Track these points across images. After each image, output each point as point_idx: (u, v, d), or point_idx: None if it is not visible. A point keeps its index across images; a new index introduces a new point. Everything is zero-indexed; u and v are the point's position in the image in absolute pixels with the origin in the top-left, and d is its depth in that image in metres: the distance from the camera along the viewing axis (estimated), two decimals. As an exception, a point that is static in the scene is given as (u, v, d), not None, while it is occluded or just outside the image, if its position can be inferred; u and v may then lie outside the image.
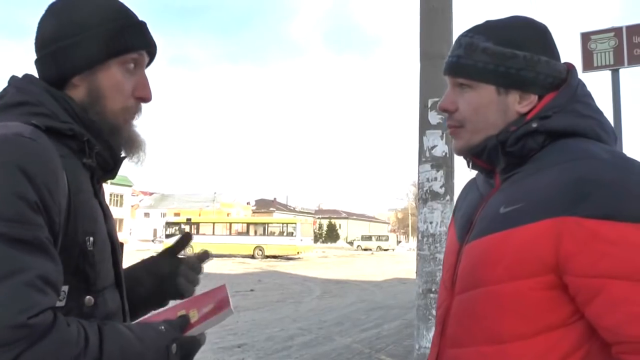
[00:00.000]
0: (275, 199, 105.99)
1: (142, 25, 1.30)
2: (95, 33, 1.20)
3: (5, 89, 1.20)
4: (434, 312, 4.59)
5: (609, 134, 1.27)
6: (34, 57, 1.25)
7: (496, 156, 1.28)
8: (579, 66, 6.52)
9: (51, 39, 1.22)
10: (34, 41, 1.25)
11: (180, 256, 1.50)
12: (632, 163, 1.13)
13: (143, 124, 1.33)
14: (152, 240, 66.45)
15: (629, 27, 6.37)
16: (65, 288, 1.04)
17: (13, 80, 1.22)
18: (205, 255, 1.53)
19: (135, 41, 1.26)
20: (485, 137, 1.29)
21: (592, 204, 1.06)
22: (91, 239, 1.11)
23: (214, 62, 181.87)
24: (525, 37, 1.28)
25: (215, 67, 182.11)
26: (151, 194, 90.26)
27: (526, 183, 1.20)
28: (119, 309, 1.23)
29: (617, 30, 6.41)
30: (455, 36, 4.99)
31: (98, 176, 1.24)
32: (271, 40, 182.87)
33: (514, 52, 1.25)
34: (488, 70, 1.26)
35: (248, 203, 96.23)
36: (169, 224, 43.15)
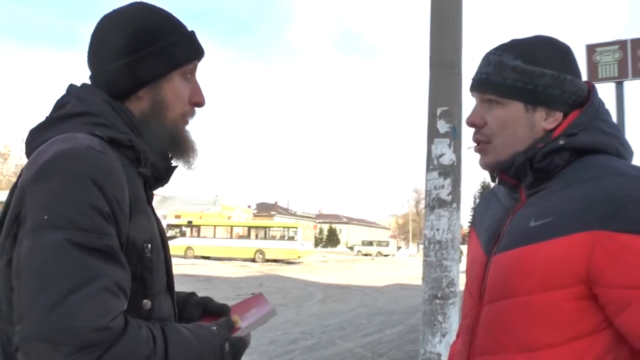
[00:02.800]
0: (276, 202, 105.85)
1: (194, 35, 1.36)
2: (156, 49, 1.25)
3: (65, 97, 1.25)
4: (440, 317, 4.66)
5: (628, 150, 1.34)
6: (87, 69, 1.30)
7: (524, 172, 1.32)
8: (583, 78, 6.59)
9: (110, 56, 1.25)
10: (89, 52, 1.29)
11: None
12: None
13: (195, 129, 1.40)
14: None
15: (633, 41, 6.43)
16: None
17: (72, 89, 1.27)
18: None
19: (191, 52, 1.32)
20: (513, 153, 1.34)
21: (623, 219, 1.12)
22: (149, 245, 1.17)
23: (216, 65, 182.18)
24: (551, 56, 1.33)
25: (217, 69, 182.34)
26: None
27: (555, 198, 1.25)
28: (171, 313, 1.29)
29: (621, 43, 6.48)
30: (465, 46, 5.09)
31: (150, 184, 1.29)
32: (274, 44, 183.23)
33: (543, 71, 1.31)
34: (517, 87, 1.32)
35: (249, 206, 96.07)
36: (170, 226, 43.05)
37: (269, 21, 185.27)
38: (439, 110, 4.89)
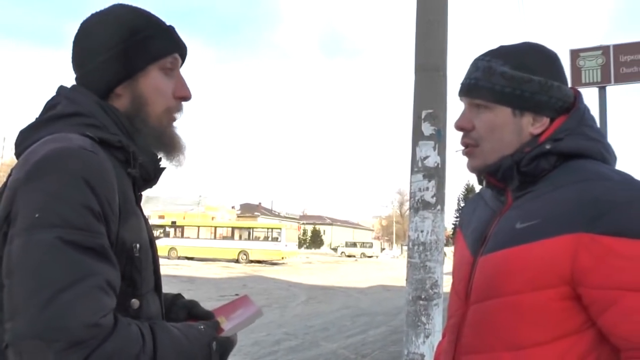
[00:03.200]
0: (260, 203, 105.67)
1: (172, 30, 1.36)
2: (131, 43, 1.26)
3: (55, 99, 1.26)
4: (423, 319, 4.69)
5: (612, 156, 1.37)
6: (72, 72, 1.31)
7: (510, 175, 1.35)
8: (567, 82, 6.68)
9: (88, 56, 1.27)
10: (72, 57, 1.31)
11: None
12: (639, 184, 1.23)
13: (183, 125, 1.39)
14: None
15: (616, 46, 6.52)
16: None
17: (63, 90, 1.28)
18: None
19: (169, 45, 1.32)
20: (501, 156, 1.37)
21: (607, 222, 1.16)
22: (138, 245, 1.18)
23: (199, 65, 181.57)
24: (539, 63, 1.36)
25: (200, 69, 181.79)
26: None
27: (541, 201, 1.28)
28: (159, 312, 1.30)
29: (604, 49, 6.56)
30: (450, 49, 5.13)
31: (139, 185, 1.30)
32: (259, 45, 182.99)
33: (530, 77, 1.33)
34: (505, 93, 1.34)
35: (233, 207, 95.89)
36: (153, 227, 42.73)
37: (254, 22, 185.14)
38: (423, 113, 4.93)
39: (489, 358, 1.29)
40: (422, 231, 4.91)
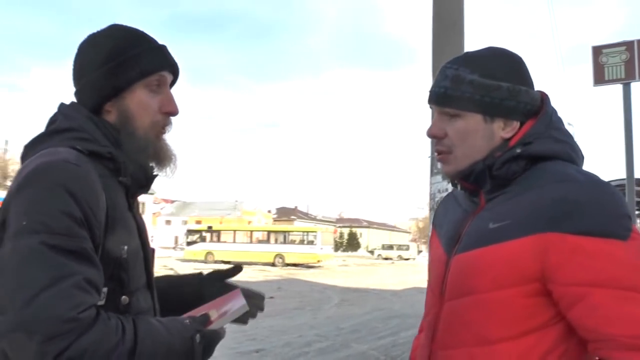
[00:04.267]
0: (296, 207, 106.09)
1: (161, 49, 1.46)
2: (117, 63, 1.38)
3: (55, 115, 1.40)
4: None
5: (579, 156, 1.42)
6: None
7: (483, 179, 1.40)
8: (590, 79, 6.60)
9: (81, 74, 1.41)
10: (71, 73, 1.44)
11: (227, 282, 1.71)
12: (604, 184, 1.28)
13: (174, 136, 1.50)
14: (174, 248, 66.89)
15: (640, 41, 6.43)
16: (104, 290, 1.22)
17: (62, 107, 1.41)
18: (235, 271, 1.74)
19: (154, 64, 1.42)
20: (473, 162, 1.41)
21: (574, 222, 1.21)
22: (125, 247, 1.30)
23: (231, 72, 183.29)
24: (506, 69, 1.40)
25: (233, 76, 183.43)
26: (173, 201, 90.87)
27: (512, 202, 1.33)
28: (150, 308, 1.42)
29: (628, 44, 6.48)
30: (467, 50, 5.14)
31: (132, 191, 1.42)
32: (292, 51, 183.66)
33: (499, 84, 1.37)
34: (474, 100, 1.38)
35: (269, 211, 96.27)
36: (190, 232, 43.45)
37: (289, 28, 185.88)
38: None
39: (461, 353, 1.35)
40: (442, 232, 4.96)
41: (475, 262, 1.33)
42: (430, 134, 1.47)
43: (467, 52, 1.48)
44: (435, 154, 1.51)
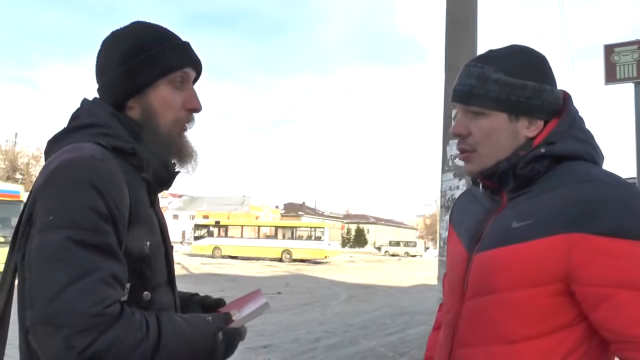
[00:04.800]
0: (303, 203, 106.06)
1: (185, 45, 1.45)
2: (141, 59, 1.37)
3: (78, 111, 1.40)
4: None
5: (600, 156, 1.42)
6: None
7: (506, 178, 1.40)
8: (601, 78, 6.56)
9: (104, 70, 1.41)
10: (95, 70, 1.44)
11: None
12: (629, 185, 1.28)
13: (194, 134, 1.49)
14: (181, 242, 67.15)
15: (653, 40, 6.37)
16: (127, 285, 1.23)
17: (85, 103, 1.41)
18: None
19: (178, 61, 1.41)
20: (497, 160, 1.41)
21: (599, 223, 1.21)
22: (148, 243, 1.31)
23: (244, 67, 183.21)
24: (531, 68, 1.40)
25: (245, 72, 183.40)
26: (180, 196, 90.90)
27: (536, 202, 1.33)
28: (172, 304, 1.43)
29: (641, 43, 6.44)
30: (479, 48, 5.15)
31: (154, 188, 1.43)
32: (303, 47, 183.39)
33: (525, 83, 1.37)
34: (500, 99, 1.37)
35: (277, 207, 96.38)
36: (197, 226, 43.58)
37: (299, 24, 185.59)
38: (453, 113, 4.97)
39: (481, 351, 1.35)
40: (453, 230, 4.96)
41: (498, 261, 1.33)
42: (454, 132, 1.46)
43: (491, 50, 1.47)
44: (458, 152, 1.51)
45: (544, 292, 1.27)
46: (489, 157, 1.42)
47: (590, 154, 1.40)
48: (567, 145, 1.38)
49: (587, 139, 1.42)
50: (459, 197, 1.76)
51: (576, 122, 1.43)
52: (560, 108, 1.43)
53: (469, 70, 1.44)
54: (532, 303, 1.28)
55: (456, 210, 1.68)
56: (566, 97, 1.46)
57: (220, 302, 1.56)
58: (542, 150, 1.37)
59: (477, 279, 1.39)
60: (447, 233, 5.03)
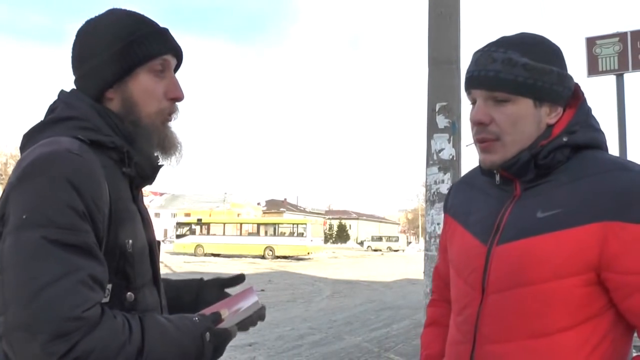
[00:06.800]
0: (285, 199, 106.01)
1: (164, 32, 1.38)
2: (118, 47, 1.30)
3: (55, 103, 1.32)
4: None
5: (606, 145, 1.42)
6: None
7: (526, 168, 1.35)
8: (584, 71, 6.63)
9: (81, 61, 1.33)
10: (70, 61, 1.37)
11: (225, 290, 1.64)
12: None
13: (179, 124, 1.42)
14: (163, 241, 66.27)
15: (633, 32, 6.43)
16: (109, 286, 1.16)
17: (62, 95, 1.34)
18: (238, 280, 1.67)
19: (157, 48, 1.34)
20: (520, 149, 1.36)
21: (635, 211, 1.21)
22: (130, 241, 1.23)
23: (223, 62, 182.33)
24: (553, 54, 1.37)
25: (224, 67, 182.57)
26: (162, 194, 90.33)
27: (563, 191, 1.30)
28: (157, 304, 1.35)
29: (621, 36, 6.48)
30: (462, 42, 5.13)
31: (137, 183, 1.35)
32: (280, 41, 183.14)
33: (551, 68, 1.34)
34: (527, 84, 1.33)
35: (258, 203, 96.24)
36: (179, 224, 43.44)
37: (276, 18, 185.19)
38: (437, 106, 4.95)
39: (515, 346, 1.31)
40: (438, 224, 4.93)
41: (527, 252, 1.30)
42: (476, 120, 1.39)
43: (505, 36, 1.42)
44: (477, 142, 1.43)
45: (579, 282, 1.26)
46: (513, 145, 1.37)
47: (605, 142, 1.40)
48: (588, 135, 1.37)
49: (600, 128, 1.42)
50: (453, 187, 1.71)
51: (590, 110, 1.42)
52: (572, 96, 1.42)
53: (490, 55, 1.37)
54: (569, 293, 1.27)
55: (456, 201, 1.63)
56: (576, 86, 1.44)
57: (240, 278, 1.62)
58: (565, 139, 1.35)
59: (504, 272, 1.34)
60: (433, 227, 5.03)
